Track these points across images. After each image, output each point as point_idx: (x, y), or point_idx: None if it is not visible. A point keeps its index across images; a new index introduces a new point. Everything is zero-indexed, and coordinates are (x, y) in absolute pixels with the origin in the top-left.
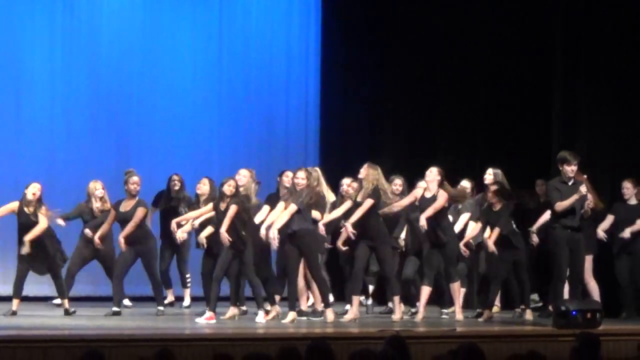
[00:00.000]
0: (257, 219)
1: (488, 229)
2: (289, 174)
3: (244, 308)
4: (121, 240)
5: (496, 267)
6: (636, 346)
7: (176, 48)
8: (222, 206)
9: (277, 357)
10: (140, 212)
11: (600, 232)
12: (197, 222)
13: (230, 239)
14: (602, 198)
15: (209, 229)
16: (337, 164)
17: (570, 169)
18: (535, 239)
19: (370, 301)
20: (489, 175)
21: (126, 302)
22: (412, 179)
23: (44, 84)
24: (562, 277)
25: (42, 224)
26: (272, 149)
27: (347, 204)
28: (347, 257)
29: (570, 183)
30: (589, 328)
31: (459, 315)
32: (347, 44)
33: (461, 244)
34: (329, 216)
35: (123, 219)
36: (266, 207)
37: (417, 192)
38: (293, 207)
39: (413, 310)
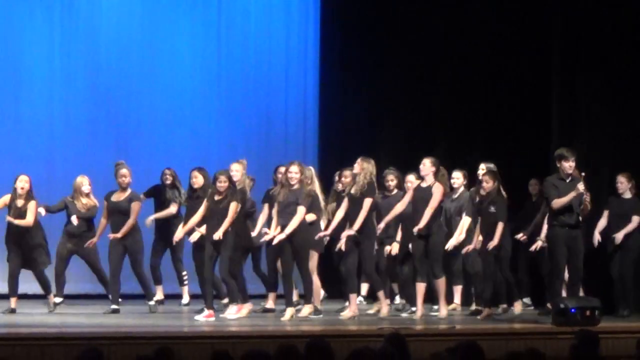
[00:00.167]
0: (260, 221)
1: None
2: (282, 169)
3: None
4: (119, 236)
5: (485, 263)
6: (635, 343)
7: (175, 46)
8: (217, 197)
9: (276, 354)
10: (136, 207)
11: (597, 234)
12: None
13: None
14: (592, 199)
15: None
16: (335, 163)
17: (568, 166)
18: (539, 244)
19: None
20: (482, 171)
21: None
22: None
23: (42, 81)
24: (560, 275)
25: (28, 220)
26: (270, 148)
27: (346, 202)
28: (340, 256)
29: (567, 180)
30: (588, 325)
31: (443, 312)
32: (346, 42)
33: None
34: (335, 220)
35: (115, 209)
36: (265, 206)
37: (413, 188)
38: (303, 209)
39: (413, 308)
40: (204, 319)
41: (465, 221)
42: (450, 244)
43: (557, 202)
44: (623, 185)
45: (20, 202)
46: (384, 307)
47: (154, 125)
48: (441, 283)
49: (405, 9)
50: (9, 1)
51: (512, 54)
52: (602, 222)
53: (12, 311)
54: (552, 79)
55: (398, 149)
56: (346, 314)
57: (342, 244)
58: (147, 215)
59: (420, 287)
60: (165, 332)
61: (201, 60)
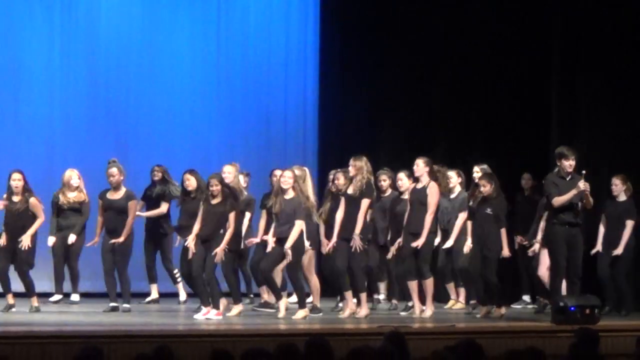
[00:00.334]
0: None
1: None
2: (278, 172)
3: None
4: (122, 240)
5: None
6: (635, 342)
7: (174, 46)
8: (214, 200)
9: (276, 353)
10: (133, 206)
11: (599, 245)
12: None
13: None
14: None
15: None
16: (335, 164)
17: (568, 164)
18: (536, 248)
19: (382, 296)
20: (477, 173)
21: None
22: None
23: (42, 80)
24: (559, 273)
25: (40, 218)
26: (270, 148)
27: (343, 202)
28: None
29: (568, 178)
30: (588, 324)
31: (429, 311)
32: (346, 42)
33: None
34: (337, 223)
35: (111, 207)
36: (263, 213)
37: (409, 191)
38: (301, 223)
39: (410, 303)
40: (203, 317)
41: (460, 219)
42: (448, 244)
43: (558, 200)
44: (618, 187)
45: (16, 198)
46: (364, 308)
47: (153, 125)
48: (429, 283)
49: (405, 9)
50: (8, 0)
51: (512, 54)
52: (602, 230)
53: (11, 307)
54: (552, 79)
55: (398, 149)
56: (361, 312)
57: (330, 248)
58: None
59: (413, 285)
60: (165, 331)
61: (201, 60)
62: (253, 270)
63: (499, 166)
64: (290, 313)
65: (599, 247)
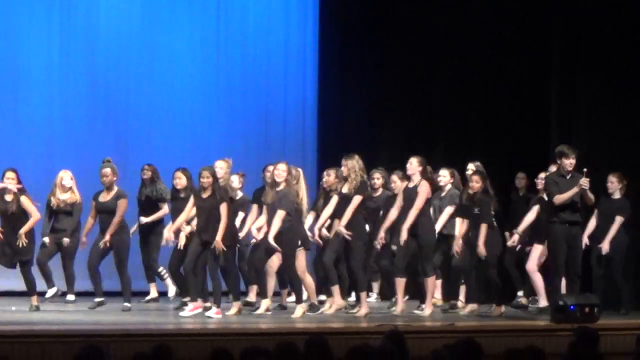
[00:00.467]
0: (249, 221)
1: (462, 223)
2: (271, 167)
3: (207, 304)
4: (107, 238)
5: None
6: (635, 340)
7: (174, 45)
8: (204, 194)
9: (276, 352)
10: (122, 205)
11: (585, 237)
12: (188, 227)
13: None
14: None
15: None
16: (335, 164)
17: (569, 163)
18: (515, 239)
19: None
20: (470, 171)
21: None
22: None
23: (41, 79)
24: (559, 272)
25: (35, 215)
26: (269, 148)
27: (335, 200)
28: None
29: (568, 177)
30: (587, 322)
31: (428, 310)
32: (345, 42)
33: (454, 245)
34: (323, 217)
35: (102, 209)
36: (254, 207)
37: (401, 190)
38: (282, 213)
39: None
40: (190, 313)
41: (446, 212)
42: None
43: (559, 198)
44: (613, 185)
45: (9, 197)
46: (364, 307)
47: (152, 124)
48: (431, 281)
49: (405, 9)
50: (8, 0)
51: (512, 54)
52: (592, 223)
53: None
54: (552, 79)
55: (398, 149)
56: (360, 312)
57: (316, 238)
58: (134, 214)
59: (401, 283)
60: (165, 330)
61: (200, 60)
62: (249, 268)
63: (499, 166)
64: (289, 312)
65: (585, 240)
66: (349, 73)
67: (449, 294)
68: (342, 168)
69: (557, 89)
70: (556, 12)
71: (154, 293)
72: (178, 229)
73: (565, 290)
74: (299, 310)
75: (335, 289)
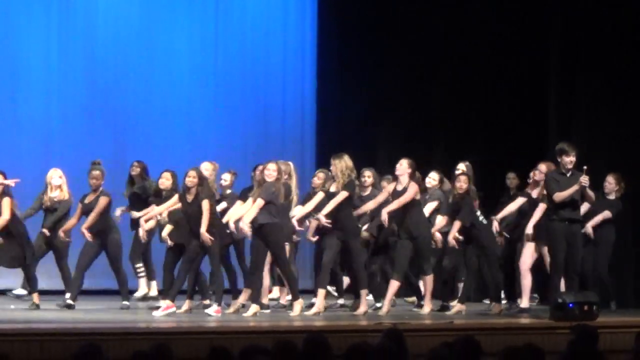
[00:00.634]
0: (232, 214)
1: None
2: (261, 167)
3: (206, 302)
4: (84, 231)
5: (457, 260)
6: (634, 338)
7: (172, 43)
8: (189, 198)
9: (274, 350)
10: (102, 202)
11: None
12: (164, 215)
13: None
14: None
15: (168, 227)
16: None
17: (569, 160)
18: (496, 226)
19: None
20: (458, 171)
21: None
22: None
23: (40, 78)
24: (559, 270)
25: (4, 216)
26: (268, 146)
27: (320, 196)
28: (317, 250)
29: (568, 174)
30: (586, 320)
31: (427, 307)
32: (344, 41)
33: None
34: (303, 209)
35: (87, 211)
36: (239, 203)
37: (389, 187)
38: (261, 201)
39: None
40: (163, 312)
41: (429, 207)
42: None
43: (559, 196)
44: (611, 185)
45: None
46: (363, 305)
47: (151, 123)
48: (429, 280)
49: (405, 8)
50: (6, 0)
51: (512, 54)
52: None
53: None
54: (552, 79)
55: (397, 149)
56: (312, 310)
57: (309, 234)
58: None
59: (394, 285)
60: (164, 328)
61: (199, 59)
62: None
63: (499, 166)
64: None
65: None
66: (348, 72)
67: (441, 294)
68: (331, 168)
69: (557, 89)
70: (556, 12)
71: (154, 291)
72: (150, 219)
73: (564, 288)
74: (297, 307)
75: (322, 292)
